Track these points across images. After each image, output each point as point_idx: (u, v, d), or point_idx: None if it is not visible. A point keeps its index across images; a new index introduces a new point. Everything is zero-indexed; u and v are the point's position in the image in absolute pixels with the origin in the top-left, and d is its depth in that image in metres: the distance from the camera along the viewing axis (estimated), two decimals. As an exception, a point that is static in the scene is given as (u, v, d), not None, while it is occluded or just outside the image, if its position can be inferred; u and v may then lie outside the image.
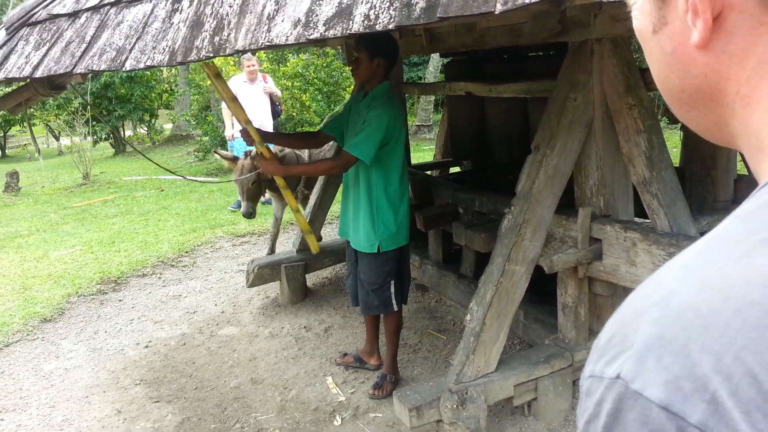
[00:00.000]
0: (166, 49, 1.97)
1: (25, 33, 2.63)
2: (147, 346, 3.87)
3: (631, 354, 0.34)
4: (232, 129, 6.82)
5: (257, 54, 7.23)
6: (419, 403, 2.51)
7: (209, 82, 10.48)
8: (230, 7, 1.88)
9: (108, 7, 2.37)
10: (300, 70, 10.01)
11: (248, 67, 6.67)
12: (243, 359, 3.59)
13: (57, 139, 19.33)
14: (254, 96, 6.66)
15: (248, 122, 2.94)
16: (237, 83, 6.56)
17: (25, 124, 17.53)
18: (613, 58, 2.50)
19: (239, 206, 6.05)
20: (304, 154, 4.55)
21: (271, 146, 3.32)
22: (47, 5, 2.67)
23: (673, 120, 8.86)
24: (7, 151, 21.32)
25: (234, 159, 4.17)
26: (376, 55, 2.77)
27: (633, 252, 2.47)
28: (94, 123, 12.65)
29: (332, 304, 4.26)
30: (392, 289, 2.98)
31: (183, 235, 6.28)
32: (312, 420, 2.93)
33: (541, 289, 3.11)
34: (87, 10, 2.45)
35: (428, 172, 4.88)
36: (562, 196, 2.70)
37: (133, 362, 3.68)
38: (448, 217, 3.75)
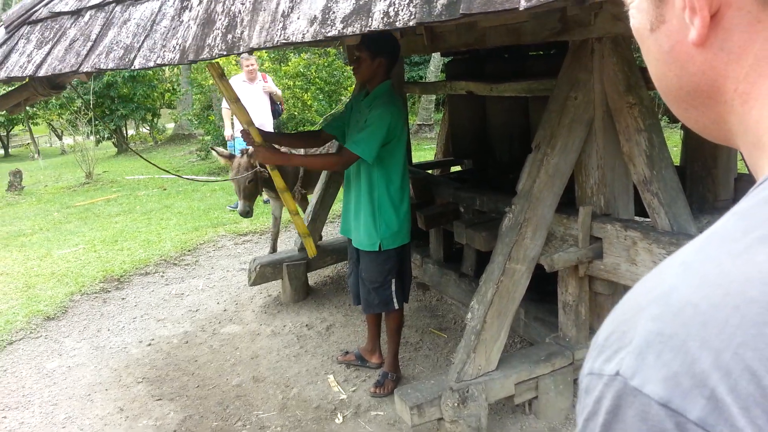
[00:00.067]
0: (177, 48, 1.95)
1: (26, 31, 2.60)
2: (149, 344, 3.89)
3: (630, 350, 0.34)
4: (231, 129, 6.83)
5: (259, 53, 7.24)
6: (420, 402, 2.52)
7: (211, 81, 10.51)
8: (242, 5, 1.86)
9: (113, 5, 2.34)
10: (301, 70, 10.01)
11: (247, 66, 6.67)
12: (245, 357, 3.61)
13: (60, 138, 19.37)
14: (254, 95, 6.66)
15: (250, 123, 2.94)
16: (236, 83, 6.56)
17: (28, 123, 17.57)
18: (613, 57, 2.50)
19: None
20: (300, 153, 4.52)
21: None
22: (48, 3, 2.63)
23: (673, 119, 8.84)
24: (10, 150, 21.36)
25: (231, 157, 4.16)
26: (378, 54, 2.77)
27: (633, 251, 2.48)
28: (96, 122, 12.67)
29: (334, 303, 4.27)
30: (393, 288, 2.99)
31: (185, 234, 6.29)
32: (313, 418, 2.94)
33: (542, 288, 3.12)
34: (91, 7, 2.42)
35: (429, 171, 4.89)
36: (563, 195, 2.70)
37: (135, 360, 3.69)
38: (449, 216, 3.75)
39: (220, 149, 4.38)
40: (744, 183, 3.45)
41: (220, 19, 1.90)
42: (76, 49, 2.27)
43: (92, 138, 14.34)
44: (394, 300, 3.01)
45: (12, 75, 2.42)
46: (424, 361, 3.40)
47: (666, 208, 2.47)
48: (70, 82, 2.96)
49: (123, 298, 4.71)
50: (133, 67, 2.03)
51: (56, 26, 2.48)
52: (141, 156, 3.97)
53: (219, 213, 7.12)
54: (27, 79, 2.62)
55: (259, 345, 3.75)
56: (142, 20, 2.16)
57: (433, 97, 13.09)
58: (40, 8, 2.63)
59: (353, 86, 8.17)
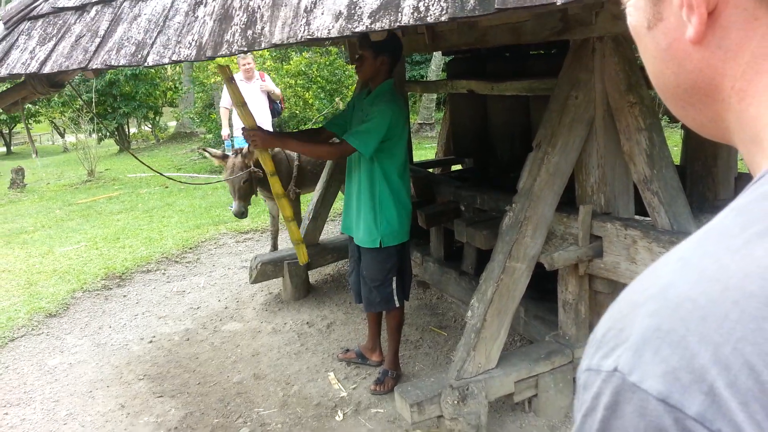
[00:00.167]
0: (193, 44, 1.90)
1: (26, 27, 2.54)
2: (151, 342, 3.90)
3: (628, 346, 0.34)
4: (228, 129, 6.83)
5: (260, 52, 7.24)
6: (420, 399, 2.53)
7: (213, 80, 10.53)
8: (261, 0, 1.83)
9: (121, 0, 2.30)
10: (303, 69, 10.02)
11: (244, 65, 6.65)
12: (246, 355, 3.62)
13: (62, 136, 19.40)
14: (251, 95, 6.64)
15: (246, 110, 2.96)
16: None
17: (29, 121, 17.57)
18: (614, 56, 2.50)
19: None
20: (294, 153, 4.51)
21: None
22: (49, -2, 2.57)
23: (673, 119, 8.79)
24: (12, 147, 21.39)
25: (224, 157, 4.10)
26: (381, 52, 2.78)
27: (633, 249, 2.48)
28: (97, 121, 12.69)
29: (334, 300, 4.28)
30: (394, 286, 3.00)
31: (187, 232, 6.31)
32: (314, 415, 2.95)
33: (542, 286, 3.12)
34: (96, 3, 2.37)
35: (430, 170, 4.89)
36: (563, 193, 2.71)
37: (136, 357, 3.71)
38: (450, 214, 3.76)
39: (213, 150, 4.35)
40: (744, 182, 3.42)
41: (237, 15, 1.86)
42: (83, 46, 2.22)
43: (94, 136, 14.36)
44: (395, 298, 3.02)
45: (14, 72, 2.36)
46: (425, 358, 3.41)
47: (666, 207, 2.48)
48: (69, 80, 2.92)
49: (124, 296, 4.73)
50: (146, 64, 1.96)
51: (59, 22, 2.43)
52: (136, 157, 3.93)
53: (220, 211, 7.13)
54: (23, 77, 2.56)
55: (260, 342, 3.76)
56: (153, 16, 2.11)
57: (434, 96, 13.09)
58: (41, 3, 2.58)
59: (354, 85, 8.17)
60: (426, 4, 1.42)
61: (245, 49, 1.78)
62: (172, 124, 18.56)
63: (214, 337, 3.90)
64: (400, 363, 3.23)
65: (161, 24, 2.05)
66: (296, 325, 3.95)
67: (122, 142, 14.82)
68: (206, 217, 6.90)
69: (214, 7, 1.96)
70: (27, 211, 8.32)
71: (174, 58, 1.92)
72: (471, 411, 2.52)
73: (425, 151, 10.00)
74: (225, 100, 6.72)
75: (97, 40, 2.19)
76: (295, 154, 4.51)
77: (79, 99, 11.87)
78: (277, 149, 4.27)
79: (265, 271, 4.20)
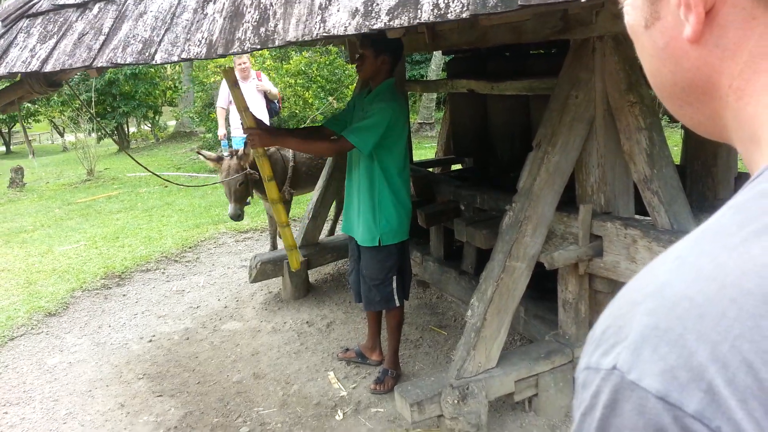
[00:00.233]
0: (203, 41, 1.87)
1: (25, 25, 2.50)
2: (150, 341, 3.90)
3: (627, 345, 0.34)
4: (224, 129, 6.82)
5: (260, 52, 7.23)
6: (420, 398, 2.53)
7: (212, 79, 10.52)
8: None
9: None
10: (303, 68, 10.01)
11: (240, 65, 6.64)
12: (245, 354, 3.62)
13: (62, 135, 19.39)
14: (247, 94, 6.63)
15: (246, 110, 2.95)
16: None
17: (28, 121, 17.55)
18: (614, 55, 2.50)
19: None
20: (289, 154, 4.50)
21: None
22: (49, -5, 2.51)
23: (673, 118, 8.77)
24: (11, 147, 21.38)
25: (218, 160, 4.07)
26: (381, 51, 2.78)
27: (633, 249, 2.48)
28: (97, 121, 12.68)
29: (334, 300, 4.28)
30: (394, 285, 3.00)
31: (186, 231, 6.31)
32: (314, 414, 2.95)
33: (542, 286, 3.12)
34: (99, 0, 2.33)
35: (430, 170, 4.89)
36: (563, 193, 2.71)
37: (136, 356, 3.71)
38: (450, 213, 3.76)
39: (207, 153, 4.32)
40: (744, 182, 3.44)
41: (249, 12, 1.83)
42: (86, 43, 2.18)
43: (94, 135, 14.36)
44: (395, 297, 3.02)
45: (15, 70, 2.32)
46: (424, 358, 3.41)
47: (666, 206, 2.48)
48: (68, 79, 2.89)
49: (124, 295, 4.72)
50: (154, 62, 1.93)
51: (60, 19, 2.40)
52: (133, 158, 3.92)
53: (220, 210, 7.12)
54: (21, 76, 2.51)
55: (260, 342, 3.76)
56: (160, 13, 2.07)
57: (434, 95, 13.09)
58: (40, 0, 2.54)
59: (354, 84, 8.17)
60: (446, 1, 1.39)
61: (258, 46, 1.75)
62: (172, 123, 18.55)
63: (214, 336, 3.90)
64: (400, 362, 3.23)
65: (169, 21, 2.02)
66: (296, 324, 3.95)
67: (121, 142, 14.82)
68: (206, 216, 6.90)
69: (225, 3, 1.93)
70: (26, 211, 8.32)
71: (183, 56, 1.88)
72: (471, 410, 2.52)
73: (425, 150, 10.00)
74: (222, 100, 6.72)
75: (101, 37, 2.16)
76: (290, 154, 4.49)
77: (84, 96, 11.89)
78: (272, 149, 4.25)
79: (264, 270, 4.20)
